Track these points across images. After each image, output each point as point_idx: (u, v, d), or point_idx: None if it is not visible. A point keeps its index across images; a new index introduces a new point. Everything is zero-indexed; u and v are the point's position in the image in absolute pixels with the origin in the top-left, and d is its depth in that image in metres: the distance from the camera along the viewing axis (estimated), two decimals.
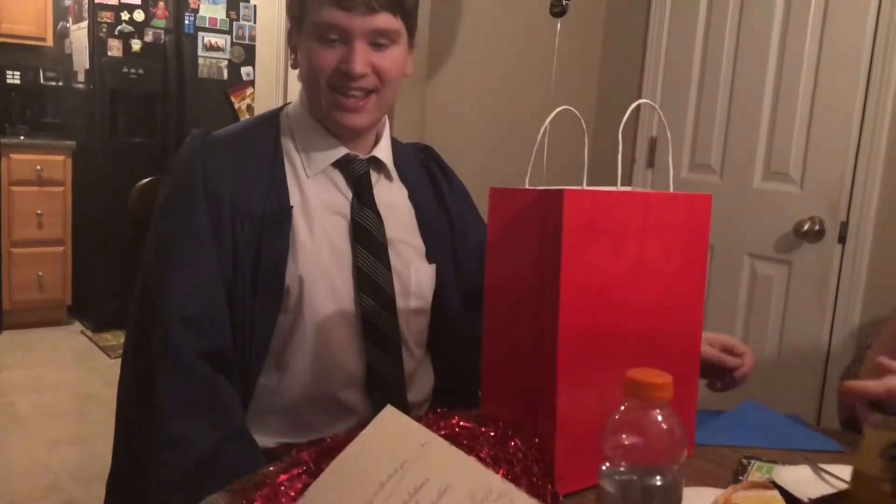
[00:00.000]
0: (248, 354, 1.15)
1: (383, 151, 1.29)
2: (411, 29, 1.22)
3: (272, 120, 1.27)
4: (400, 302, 1.24)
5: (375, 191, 1.26)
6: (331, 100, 1.17)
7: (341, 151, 1.23)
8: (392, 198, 1.29)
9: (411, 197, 1.32)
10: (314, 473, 0.77)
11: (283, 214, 1.17)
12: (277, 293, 1.15)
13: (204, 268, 1.12)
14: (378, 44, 1.15)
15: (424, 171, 1.38)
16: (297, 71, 1.25)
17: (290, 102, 1.31)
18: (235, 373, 1.14)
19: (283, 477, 0.77)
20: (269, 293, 1.15)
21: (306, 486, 0.75)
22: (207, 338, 1.10)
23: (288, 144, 1.23)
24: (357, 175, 1.24)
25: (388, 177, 1.30)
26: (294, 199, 1.19)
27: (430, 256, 1.30)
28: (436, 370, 1.36)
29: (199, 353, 1.08)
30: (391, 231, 1.25)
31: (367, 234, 1.22)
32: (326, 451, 0.80)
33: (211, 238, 1.13)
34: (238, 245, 1.14)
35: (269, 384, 1.19)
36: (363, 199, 1.24)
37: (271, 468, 0.84)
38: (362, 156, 1.25)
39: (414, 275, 1.26)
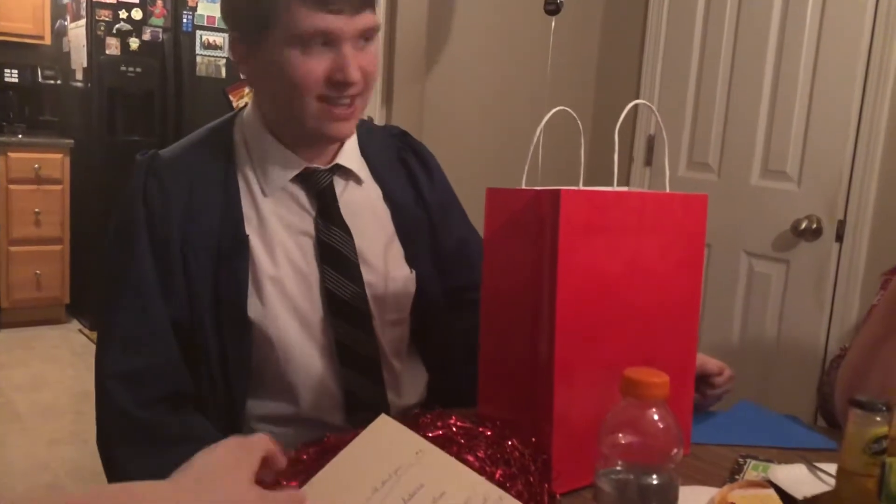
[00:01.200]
0: (229, 385, 1.10)
1: (348, 157, 1.19)
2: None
3: (224, 131, 1.17)
4: (376, 317, 1.17)
5: (343, 200, 1.17)
6: (320, 111, 1.06)
7: (300, 165, 1.13)
8: (362, 205, 1.20)
9: (386, 197, 1.23)
10: (312, 472, 0.77)
11: (239, 245, 1.09)
12: (244, 327, 1.09)
13: (149, 319, 1.06)
14: (360, 44, 1.06)
15: (400, 164, 1.29)
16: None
17: (245, 106, 1.20)
18: (217, 404, 1.10)
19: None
20: (234, 328, 1.09)
21: (301, 486, 0.76)
22: (154, 388, 1.05)
23: (243, 160, 1.14)
24: (320, 188, 1.15)
25: (357, 180, 1.21)
26: (251, 223, 1.11)
27: (409, 258, 1.23)
28: (429, 370, 1.33)
29: (147, 402, 1.04)
30: (362, 243, 1.16)
31: (334, 252, 1.14)
32: (324, 451, 0.81)
33: (155, 283, 1.06)
34: (193, 284, 1.08)
35: (258, 406, 1.15)
36: (328, 214, 1.15)
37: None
38: (323, 167, 1.16)
39: (391, 285, 1.19)
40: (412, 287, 1.23)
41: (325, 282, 1.12)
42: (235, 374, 1.10)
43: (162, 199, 1.08)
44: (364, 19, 1.04)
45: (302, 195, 1.15)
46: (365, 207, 1.20)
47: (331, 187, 1.16)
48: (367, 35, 1.06)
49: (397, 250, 1.22)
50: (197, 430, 1.05)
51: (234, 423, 1.12)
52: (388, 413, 1.20)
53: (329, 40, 1.03)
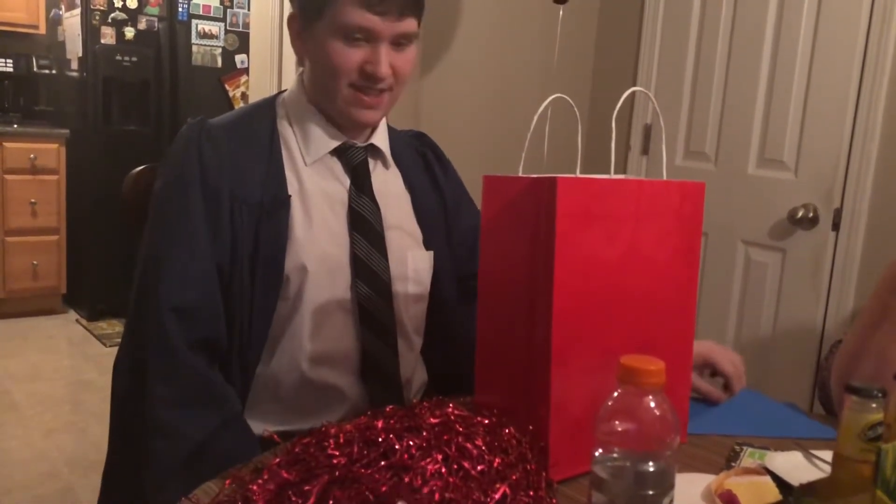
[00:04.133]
0: (246, 343, 1.15)
1: (380, 139, 1.29)
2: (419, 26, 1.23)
3: (268, 107, 1.26)
4: (398, 288, 1.25)
5: (373, 178, 1.26)
6: (350, 97, 1.17)
7: (339, 139, 1.23)
8: (389, 185, 1.29)
9: (406, 183, 1.33)
10: (306, 462, 0.77)
11: (281, 202, 1.17)
12: (276, 282, 1.15)
13: (199, 259, 1.12)
14: (399, 44, 1.17)
15: (419, 157, 1.39)
16: (292, 58, 1.24)
17: (285, 90, 1.30)
18: (233, 362, 1.15)
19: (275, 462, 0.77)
20: (267, 282, 1.15)
21: (301, 475, 0.76)
22: (201, 328, 1.10)
23: (286, 132, 1.23)
24: (355, 163, 1.25)
25: (385, 164, 1.30)
26: (292, 187, 1.19)
27: (427, 242, 1.31)
28: (428, 362, 1.36)
29: (192, 344, 1.09)
30: (388, 218, 1.25)
31: (364, 221, 1.22)
32: (321, 439, 0.81)
33: (207, 229, 1.13)
34: (236, 233, 1.14)
35: (266, 371, 1.19)
36: (361, 186, 1.24)
37: (267, 455, 0.85)
38: (360, 143, 1.25)
39: (411, 261, 1.27)
40: (430, 265, 1.31)
41: (354, 247, 1.21)
42: (257, 328, 1.16)
43: (214, 156, 1.16)
44: (405, 25, 1.15)
45: (338, 167, 1.24)
46: (391, 188, 1.30)
47: (365, 163, 1.26)
48: (405, 38, 1.17)
49: (417, 232, 1.31)
50: (230, 400, 1.12)
51: (244, 385, 1.17)
52: (399, 383, 1.24)
53: (369, 37, 1.14)
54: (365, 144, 1.26)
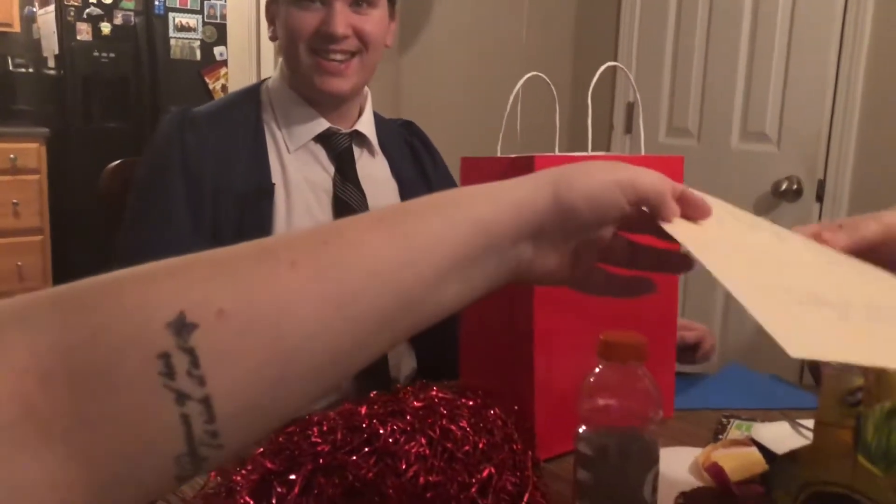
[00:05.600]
0: None
1: (366, 125, 1.28)
2: None
3: (252, 94, 1.25)
4: None
5: (358, 165, 1.25)
6: (311, 63, 1.16)
7: (323, 125, 1.22)
8: (375, 173, 1.28)
9: (394, 172, 1.31)
10: (290, 451, 0.77)
11: (264, 192, 1.16)
12: None
13: (174, 247, 1.11)
14: (358, 4, 1.16)
15: (407, 146, 1.38)
16: (271, 48, 1.24)
17: (268, 77, 1.29)
18: None
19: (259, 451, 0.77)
20: None
21: (285, 464, 0.75)
22: None
23: (269, 119, 1.22)
24: (340, 149, 1.23)
25: (371, 151, 1.29)
26: (276, 175, 1.18)
27: None
28: (417, 350, 1.35)
29: None
30: (374, 206, 1.23)
31: (349, 209, 1.21)
32: (302, 429, 0.80)
33: (187, 218, 1.12)
34: (219, 222, 1.13)
35: None
36: (346, 174, 1.23)
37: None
38: (345, 129, 1.24)
39: None
40: None
41: None
42: None
43: (197, 144, 1.15)
44: None
45: (322, 154, 1.23)
46: (377, 176, 1.28)
47: (349, 150, 1.25)
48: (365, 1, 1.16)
49: None
50: None
51: None
52: (388, 373, 1.23)
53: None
54: (350, 131, 1.25)
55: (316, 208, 1.20)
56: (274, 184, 1.17)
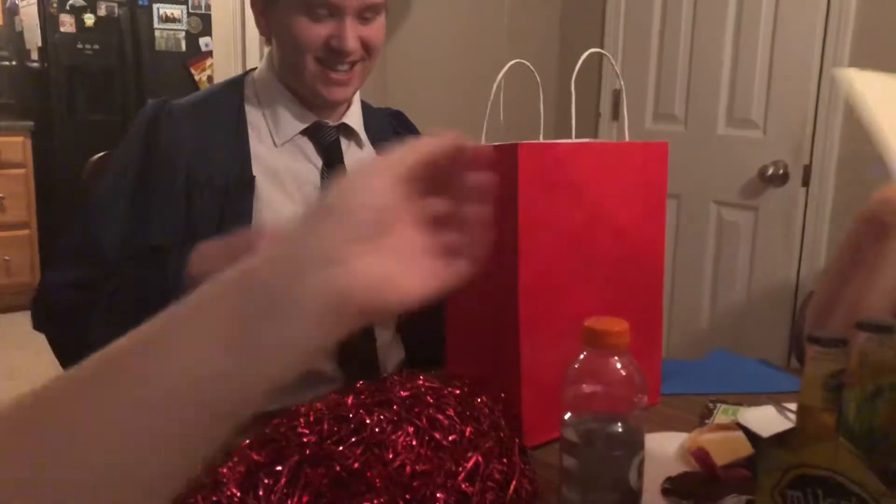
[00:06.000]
0: None
1: (354, 118, 1.27)
2: None
3: (235, 86, 1.24)
4: None
5: (346, 158, 1.24)
6: (317, 73, 1.15)
7: (310, 119, 1.21)
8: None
9: None
10: (277, 442, 0.76)
11: (245, 184, 1.15)
12: None
13: (102, 235, 1.12)
14: (365, 17, 1.14)
15: (396, 137, 1.36)
16: (256, 38, 1.22)
17: (254, 68, 1.28)
18: None
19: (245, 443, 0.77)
20: None
21: (271, 456, 0.75)
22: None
23: (254, 112, 1.21)
24: (327, 143, 1.22)
25: (359, 143, 1.28)
26: (260, 168, 1.17)
27: None
28: (406, 345, 1.35)
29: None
30: None
31: None
32: (289, 420, 0.80)
33: (129, 210, 1.13)
34: (198, 215, 1.12)
35: None
36: (333, 166, 1.22)
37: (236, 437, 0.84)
38: (332, 123, 1.23)
39: None
40: None
41: None
42: None
43: (172, 135, 1.14)
44: None
45: (309, 147, 1.22)
46: None
47: (337, 142, 1.23)
48: (371, 10, 1.14)
49: None
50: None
51: None
52: (377, 367, 1.23)
53: (334, 11, 1.11)
54: (337, 124, 1.24)
55: (302, 201, 1.19)
56: (255, 176, 1.16)
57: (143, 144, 1.14)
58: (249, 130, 1.20)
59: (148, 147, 1.13)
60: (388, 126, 1.37)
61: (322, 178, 1.20)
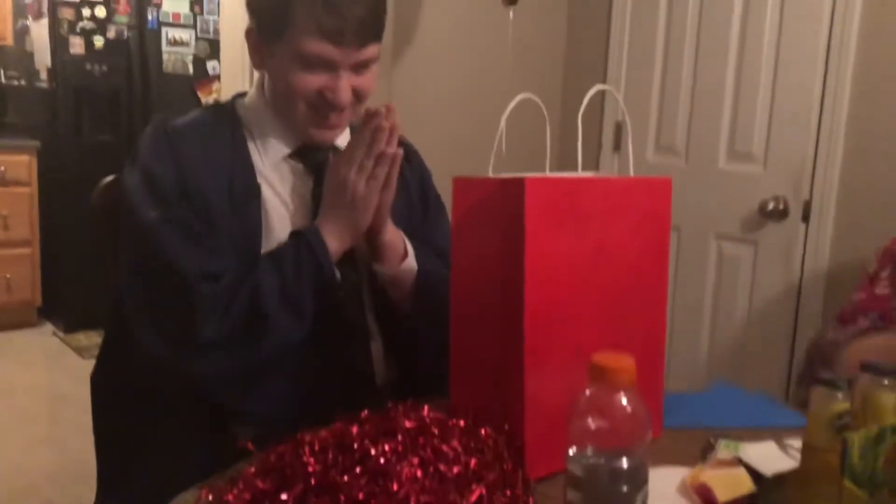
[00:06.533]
0: None
1: (343, 139, 1.27)
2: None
3: (227, 106, 1.26)
4: (364, 284, 1.24)
5: None
6: (309, 117, 1.17)
7: (298, 140, 1.22)
8: None
9: None
10: (282, 470, 0.77)
11: (252, 191, 1.16)
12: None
13: (210, 250, 1.11)
14: (359, 70, 1.16)
15: None
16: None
17: (242, 93, 1.29)
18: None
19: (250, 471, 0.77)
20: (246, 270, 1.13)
21: (276, 484, 0.75)
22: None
23: (246, 135, 1.22)
24: (317, 161, 1.23)
25: None
26: (261, 179, 1.19)
27: None
28: (399, 354, 1.34)
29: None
30: None
31: None
32: (294, 448, 0.81)
33: (192, 225, 1.11)
34: (212, 229, 1.12)
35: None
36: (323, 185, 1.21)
37: (242, 464, 0.84)
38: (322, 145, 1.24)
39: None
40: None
41: None
42: None
43: (184, 155, 1.14)
44: (367, 52, 1.15)
45: (300, 169, 1.23)
46: None
47: (327, 161, 1.23)
48: (366, 64, 1.16)
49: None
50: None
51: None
52: (373, 380, 1.23)
53: (329, 66, 1.13)
54: (327, 146, 1.25)
55: (297, 217, 1.20)
56: (259, 184, 1.17)
57: (170, 167, 1.14)
58: (248, 148, 1.21)
59: (175, 165, 1.14)
60: None
61: (313, 196, 1.21)
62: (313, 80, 1.13)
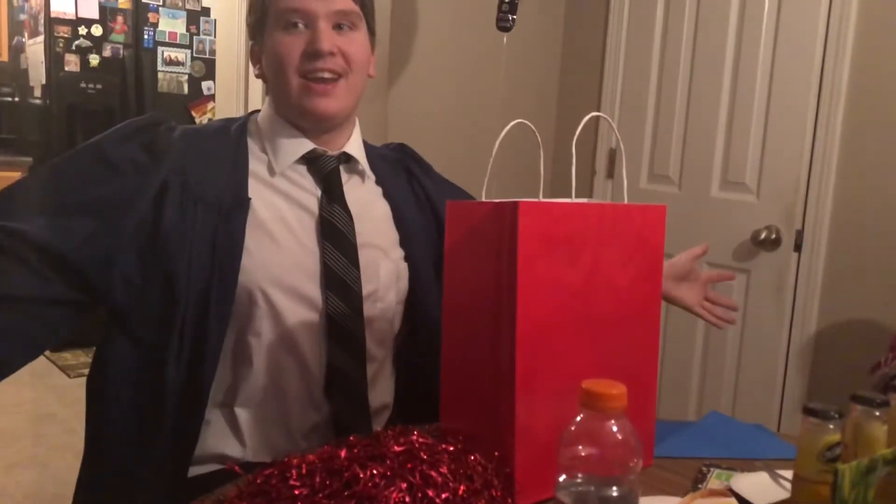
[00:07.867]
0: (201, 347, 1.10)
1: (354, 148, 1.27)
2: (369, 19, 1.25)
3: (238, 122, 1.27)
4: (367, 301, 1.21)
5: (346, 187, 1.24)
6: (300, 86, 1.18)
7: (309, 145, 1.23)
8: (363, 195, 1.27)
9: (387, 195, 1.31)
10: (268, 494, 0.76)
11: (239, 203, 1.15)
12: (232, 284, 1.12)
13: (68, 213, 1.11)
14: (340, 26, 1.19)
15: (403, 170, 1.38)
16: (259, 83, 1.25)
17: (257, 110, 1.31)
18: (186, 367, 1.10)
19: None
20: (224, 283, 1.11)
21: None
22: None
23: (255, 143, 1.24)
24: (326, 171, 1.23)
25: (360, 174, 1.29)
26: (257, 193, 1.18)
27: (408, 257, 1.29)
28: (399, 375, 1.33)
29: None
30: (361, 230, 1.22)
31: (335, 231, 1.19)
32: (281, 471, 0.79)
33: (112, 191, 1.13)
34: (192, 236, 1.11)
35: (228, 378, 1.16)
36: (332, 195, 1.21)
37: (228, 486, 0.83)
38: (332, 152, 1.24)
39: (383, 276, 1.24)
40: (402, 281, 1.28)
41: (325, 257, 1.18)
42: (214, 331, 1.11)
43: (171, 146, 1.16)
44: (339, 2, 1.18)
45: (308, 178, 1.23)
46: (365, 199, 1.28)
47: (336, 171, 1.24)
48: (346, 17, 1.19)
49: (393, 246, 1.28)
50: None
51: (192, 406, 1.11)
52: (366, 399, 1.21)
53: (307, 20, 1.17)
54: (338, 153, 1.25)
55: (299, 228, 1.19)
56: (250, 198, 1.17)
57: (147, 136, 1.18)
58: (250, 158, 1.22)
59: (146, 151, 1.16)
60: (393, 160, 1.38)
61: (321, 206, 1.20)
62: (296, 41, 1.17)
